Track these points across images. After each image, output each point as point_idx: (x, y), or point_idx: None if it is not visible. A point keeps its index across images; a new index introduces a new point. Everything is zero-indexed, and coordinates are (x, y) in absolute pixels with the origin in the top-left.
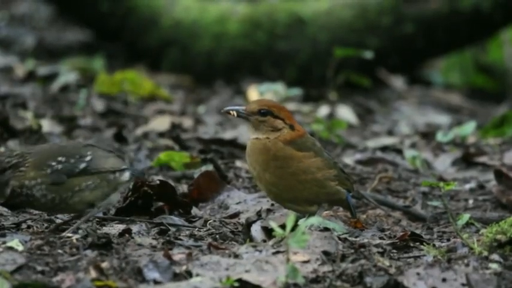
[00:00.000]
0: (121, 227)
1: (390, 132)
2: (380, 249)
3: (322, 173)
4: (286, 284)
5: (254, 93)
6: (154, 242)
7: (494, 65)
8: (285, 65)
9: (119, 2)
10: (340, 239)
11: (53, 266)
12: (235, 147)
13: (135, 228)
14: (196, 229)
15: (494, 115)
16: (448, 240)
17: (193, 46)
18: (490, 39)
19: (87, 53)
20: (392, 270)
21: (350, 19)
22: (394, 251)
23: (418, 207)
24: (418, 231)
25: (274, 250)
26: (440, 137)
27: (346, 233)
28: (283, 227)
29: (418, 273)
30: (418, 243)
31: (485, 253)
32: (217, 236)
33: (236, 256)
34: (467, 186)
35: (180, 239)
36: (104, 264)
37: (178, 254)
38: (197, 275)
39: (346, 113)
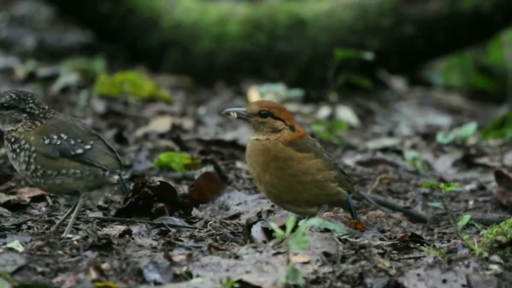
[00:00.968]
0: (121, 228)
1: (391, 134)
2: (380, 250)
3: (323, 174)
4: (286, 285)
5: (254, 94)
6: (154, 243)
7: (495, 66)
8: (285, 66)
9: (119, 3)
10: (340, 240)
11: (53, 267)
12: (236, 148)
13: (135, 229)
14: (197, 230)
15: (495, 116)
16: (449, 241)
17: (193, 47)
18: (490, 41)
19: (88, 54)
20: (392, 271)
21: (350, 20)
22: (395, 252)
23: (418, 208)
24: (418, 232)
25: (274, 251)
26: (440, 138)
27: (346, 234)
28: (283, 228)
29: (418, 274)
30: (418, 244)
31: (486, 254)
32: (217, 237)
33: (236, 257)
34: (468, 187)
35: (181, 240)
36: (104, 265)
37: (178, 255)
38: (197, 276)
39: (346, 114)
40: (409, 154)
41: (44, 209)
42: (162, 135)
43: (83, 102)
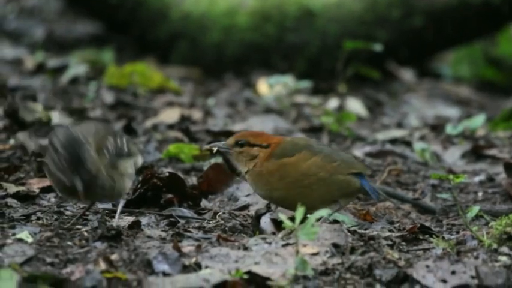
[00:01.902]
0: (130, 219)
1: (400, 125)
2: (389, 242)
3: (325, 170)
4: (295, 276)
5: (263, 85)
6: (163, 234)
7: (504, 58)
8: (294, 58)
9: None
10: (349, 231)
11: (62, 257)
12: None
13: (144, 220)
14: (206, 221)
15: (504, 108)
16: (458, 232)
17: (202, 38)
18: (499, 32)
19: (97, 46)
20: (401, 263)
21: (360, 12)
22: (404, 243)
23: (427, 199)
24: (427, 224)
25: (283, 242)
26: (449, 129)
27: (355, 226)
28: (292, 219)
29: (427, 266)
30: (427, 236)
31: (495, 246)
32: (226, 228)
33: (245, 248)
34: (477, 178)
35: (190, 231)
36: (113, 256)
37: (187, 246)
38: (206, 267)
39: (355, 106)
40: (418, 145)
41: (53, 199)
42: (171, 127)
43: (91, 94)
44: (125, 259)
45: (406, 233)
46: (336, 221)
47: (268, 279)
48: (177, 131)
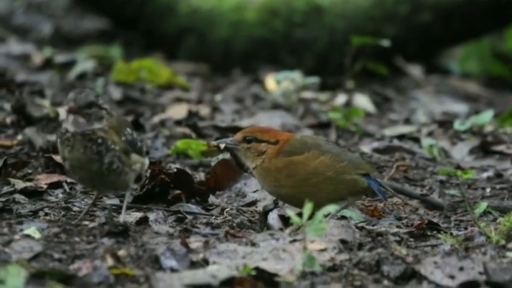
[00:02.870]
0: (138, 214)
1: (407, 121)
2: (397, 238)
3: (333, 169)
4: (303, 272)
5: (271, 81)
6: (171, 230)
7: None
8: (302, 53)
9: None
10: (357, 227)
11: (70, 253)
12: None
13: (152, 216)
14: (213, 217)
15: None
16: (466, 228)
17: (210, 34)
18: (507, 28)
19: (105, 41)
20: (409, 259)
21: (367, 7)
22: (412, 239)
23: (435, 195)
24: (435, 220)
25: (291, 238)
26: (457, 125)
27: (363, 222)
28: (300, 215)
29: (435, 262)
30: (435, 232)
31: (503, 242)
32: (234, 224)
33: (253, 244)
34: (485, 174)
35: (197, 227)
36: (121, 252)
37: (195, 242)
38: (214, 263)
39: (363, 102)
40: (426, 141)
41: (60, 195)
42: (178, 122)
43: (99, 89)
44: (132, 255)
45: (414, 229)
46: (343, 217)
47: (275, 275)
48: (185, 127)
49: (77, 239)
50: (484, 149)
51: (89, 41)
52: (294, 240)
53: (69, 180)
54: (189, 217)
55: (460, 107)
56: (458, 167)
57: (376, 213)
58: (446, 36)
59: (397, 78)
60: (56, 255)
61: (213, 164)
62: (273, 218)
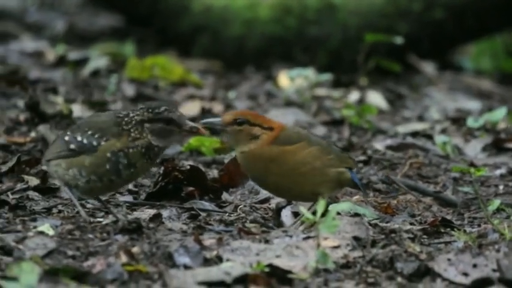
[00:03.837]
0: (151, 211)
1: (421, 118)
2: (411, 235)
3: (320, 161)
4: (316, 270)
5: (284, 78)
6: (184, 227)
7: None
8: (315, 50)
9: None
10: (370, 224)
11: (83, 250)
12: None
13: (165, 213)
14: (227, 214)
15: None
16: (479, 226)
17: (224, 31)
18: None
19: (118, 38)
20: (423, 256)
21: (381, 4)
22: (425, 236)
23: (448, 192)
24: (448, 217)
25: (304, 235)
26: (470, 122)
27: (376, 219)
28: (313, 212)
29: (448, 259)
30: (448, 229)
31: None
32: (247, 221)
33: (266, 241)
34: (498, 172)
35: (211, 224)
36: (135, 249)
37: (208, 239)
38: (227, 260)
39: (376, 99)
40: (439, 138)
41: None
42: (192, 119)
43: (113, 86)
44: (146, 252)
45: (427, 226)
46: (357, 214)
47: (289, 272)
48: (198, 124)
49: (90, 235)
50: (497, 146)
51: (103, 38)
52: (308, 237)
53: None
54: (203, 214)
55: (473, 104)
56: (472, 164)
57: (390, 210)
58: (459, 33)
59: (410, 75)
60: (70, 252)
61: (226, 161)
62: (286, 215)
